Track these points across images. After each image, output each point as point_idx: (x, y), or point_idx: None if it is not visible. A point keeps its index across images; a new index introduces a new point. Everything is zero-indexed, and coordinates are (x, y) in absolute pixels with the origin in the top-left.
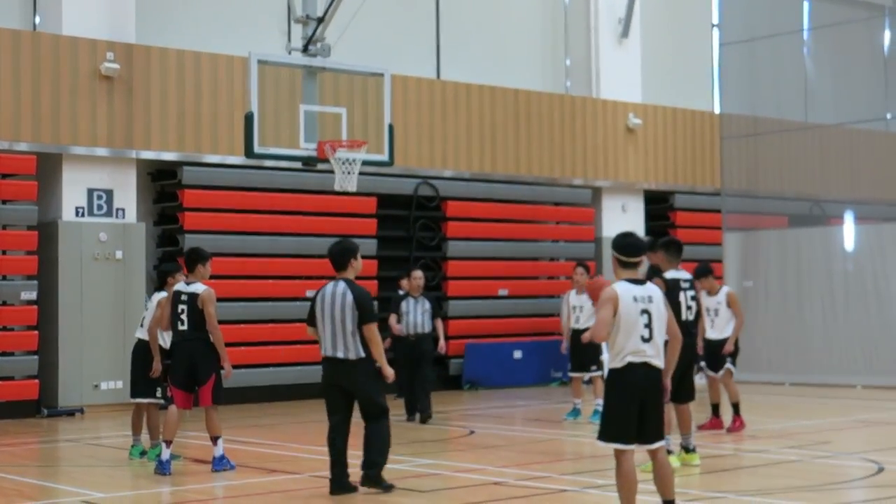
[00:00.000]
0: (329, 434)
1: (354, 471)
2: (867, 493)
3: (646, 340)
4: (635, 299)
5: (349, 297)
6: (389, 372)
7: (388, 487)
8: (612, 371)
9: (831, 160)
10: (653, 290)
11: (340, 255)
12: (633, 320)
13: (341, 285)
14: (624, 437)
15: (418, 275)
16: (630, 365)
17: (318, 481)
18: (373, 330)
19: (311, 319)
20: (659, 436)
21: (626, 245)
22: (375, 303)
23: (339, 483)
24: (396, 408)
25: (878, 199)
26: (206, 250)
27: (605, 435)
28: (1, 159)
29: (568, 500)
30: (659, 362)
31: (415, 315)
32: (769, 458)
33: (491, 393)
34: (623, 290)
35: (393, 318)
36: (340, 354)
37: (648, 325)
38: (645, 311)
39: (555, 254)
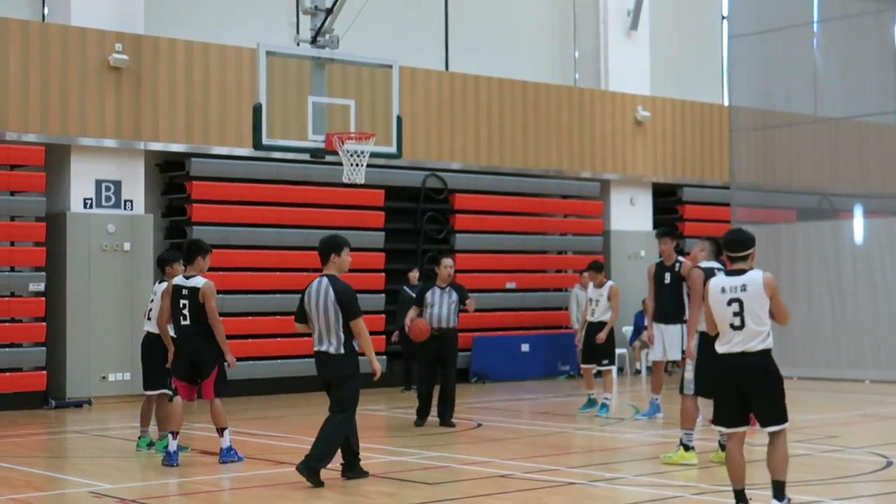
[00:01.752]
0: None
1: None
2: (875, 487)
3: (736, 328)
4: (723, 290)
5: (331, 293)
6: (377, 367)
7: (319, 484)
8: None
9: (840, 154)
10: (751, 279)
11: (322, 251)
12: (720, 309)
13: (324, 281)
14: (724, 421)
15: (448, 262)
16: (725, 353)
17: (327, 473)
18: (359, 324)
19: (299, 315)
20: (770, 420)
21: (729, 241)
22: (382, 296)
23: (351, 467)
24: (403, 401)
25: (888, 192)
26: (205, 243)
27: (713, 418)
28: (9, 150)
29: (575, 492)
30: (758, 346)
31: (440, 307)
32: None
33: (498, 386)
34: (714, 282)
35: (413, 312)
36: (324, 347)
37: (739, 314)
38: (735, 301)
39: (563, 247)
